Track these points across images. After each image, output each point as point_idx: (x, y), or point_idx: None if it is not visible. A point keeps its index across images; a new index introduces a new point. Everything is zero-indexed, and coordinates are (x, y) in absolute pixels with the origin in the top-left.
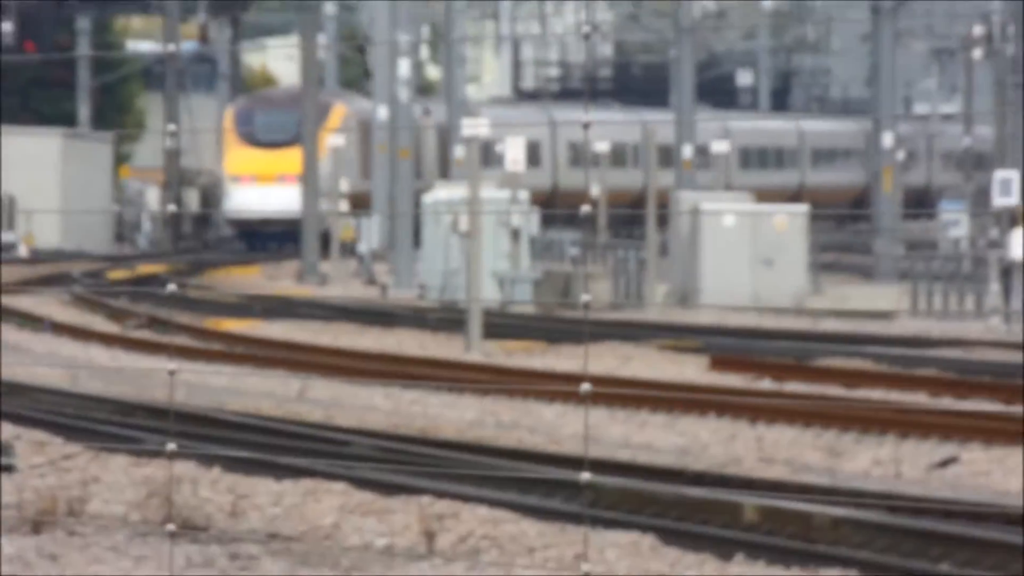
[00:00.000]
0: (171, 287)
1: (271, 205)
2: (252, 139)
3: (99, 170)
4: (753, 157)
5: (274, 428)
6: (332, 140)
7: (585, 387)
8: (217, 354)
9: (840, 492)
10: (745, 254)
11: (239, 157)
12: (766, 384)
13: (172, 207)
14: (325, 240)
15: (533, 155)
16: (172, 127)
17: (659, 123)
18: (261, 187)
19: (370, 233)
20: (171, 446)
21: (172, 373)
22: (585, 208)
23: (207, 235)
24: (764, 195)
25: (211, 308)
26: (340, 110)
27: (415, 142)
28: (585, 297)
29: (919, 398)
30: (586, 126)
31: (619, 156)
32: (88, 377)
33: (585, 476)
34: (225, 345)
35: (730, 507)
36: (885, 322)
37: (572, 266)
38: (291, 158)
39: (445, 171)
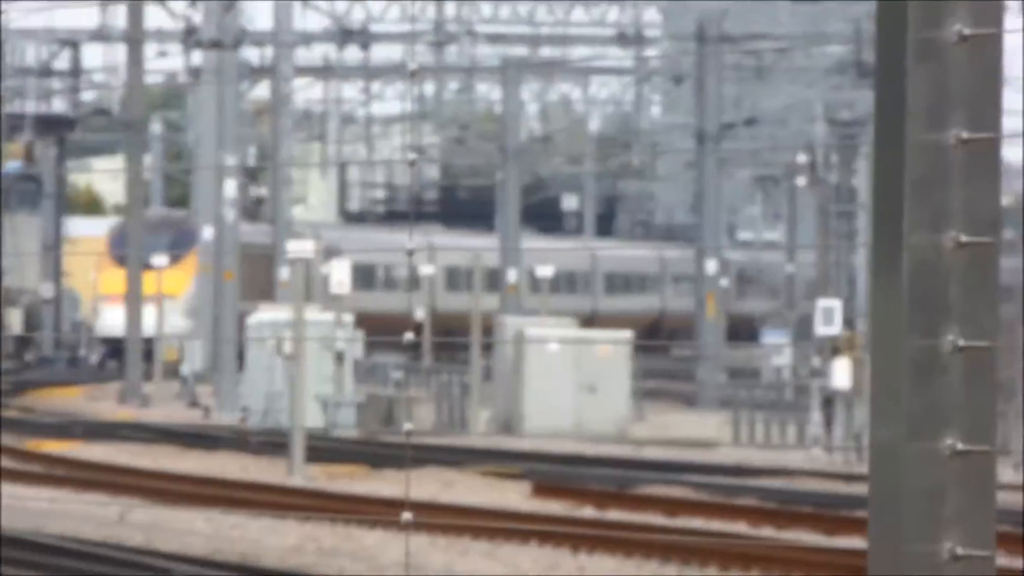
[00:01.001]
0: None
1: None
2: (123, 260)
3: None
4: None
5: (94, 553)
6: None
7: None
8: (37, 476)
9: None
10: (569, 380)
11: (111, 277)
12: (588, 512)
13: None
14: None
15: (367, 278)
16: None
17: (486, 249)
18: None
19: (193, 354)
20: None
21: None
22: (408, 335)
23: (29, 355)
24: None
25: (32, 428)
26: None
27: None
28: (407, 426)
29: (740, 527)
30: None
31: (450, 280)
32: None
33: None
34: (45, 467)
35: None
36: (707, 450)
37: (396, 390)
38: (172, 276)
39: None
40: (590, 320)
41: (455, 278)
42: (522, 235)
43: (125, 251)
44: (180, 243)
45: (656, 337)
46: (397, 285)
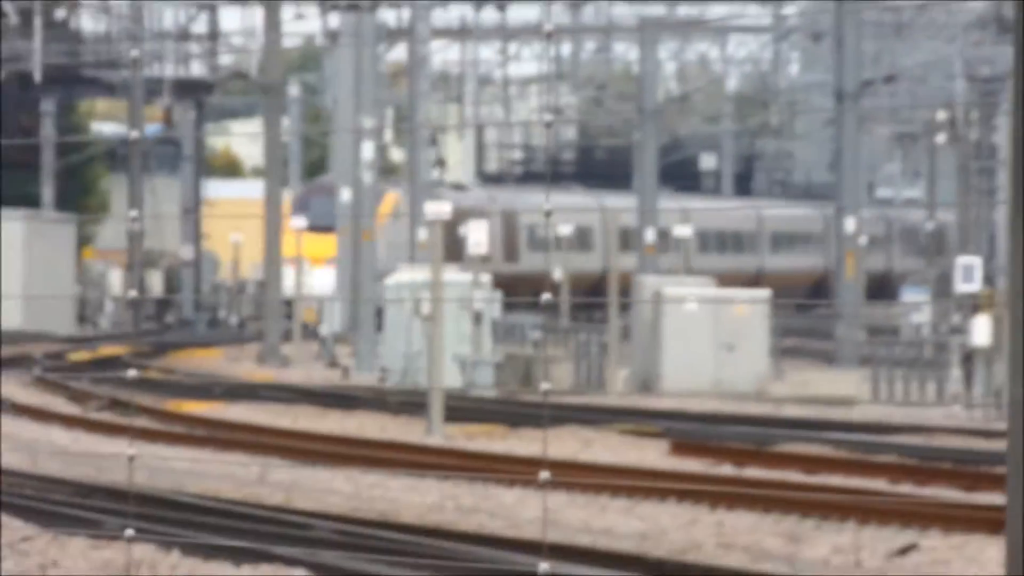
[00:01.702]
0: (132, 372)
1: (321, 285)
2: (314, 226)
3: (62, 252)
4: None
5: (233, 511)
6: (383, 225)
7: (544, 475)
8: (178, 436)
9: None
10: (707, 339)
11: (310, 241)
12: (726, 469)
13: (133, 292)
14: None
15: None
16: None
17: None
18: (312, 269)
19: (332, 315)
20: (129, 531)
21: (131, 459)
22: (545, 296)
23: (169, 317)
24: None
25: (173, 390)
26: (392, 196)
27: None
28: (544, 385)
29: (879, 484)
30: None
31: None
32: (48, 459)
33: (544, 567)
34: (186, 427)
35: None
36: (846, 408)
37: (533, 350)
38: (326, 241)
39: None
40: (755, 279)
41: (591, 238)
42: (659, 194)
43: (312, 217)
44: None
45: (822, 295)
46: (539, 246)
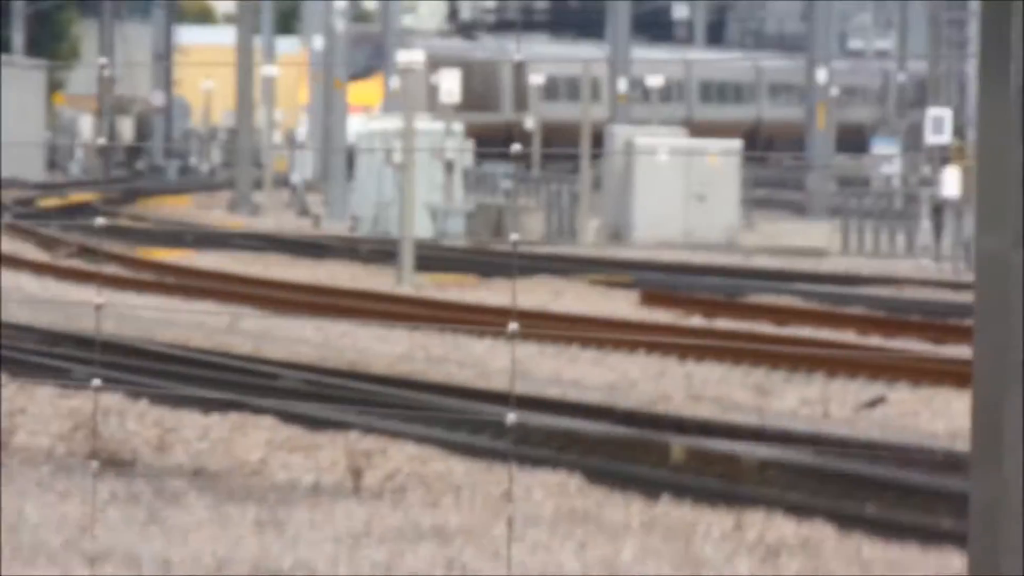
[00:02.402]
0: (100, 220)
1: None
2: (353, 73)
3: (32, 98)
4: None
5: (203, 360)
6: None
7: (512, 327)
8: (148, 284)
9: (768, 433)
10: (678, 190)
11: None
12: (696, 321)
13: (103, 139)
14: None
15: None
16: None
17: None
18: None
19: (303, 164)
20: (96, 381)
21: (99, 307)
22: (516, 147)
23: (140, 164)
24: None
25: (142, 237)
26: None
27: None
28: (513, 236)
29: (848, 336)
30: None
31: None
32: (16, 306)
33: (511, 417)
34: (156, 275)
35: (659, 447)
36: (816, 259)
37: (505, 200)
38: (368, 89)
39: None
40: (753, 128)
41: (561, 88)
42: (632, 45)
43: (354, 65)
44: (376, 58)
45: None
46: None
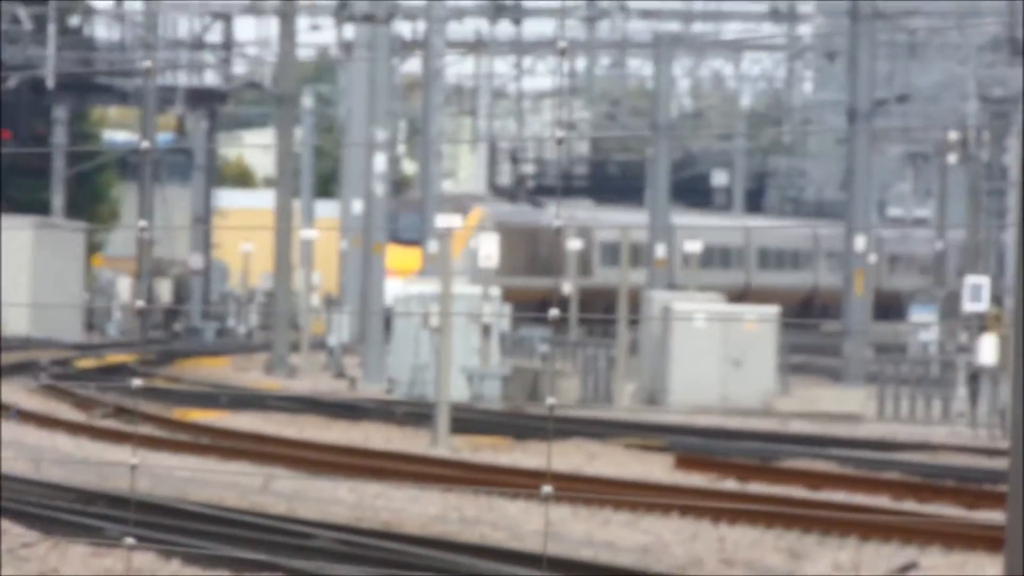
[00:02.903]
0: (137, 382)
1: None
2: (395, 237)
3: (71, 259)
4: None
5: (236, 520)
6: (470, 240)
7: (546, 490)
8: (182, 445)
9: None
10: (715, 354)
11: (392, 254)
12: (730, 484)
13: (141, 301)
14: None
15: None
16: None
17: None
18: (401, 279)
19: (340, 326)
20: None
21: (134, 467)
22: (553, 312)
23: (178, 325)
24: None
25: (179, 398)
26: (478, 211)
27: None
28: (550, 400)
29: (882, 501)
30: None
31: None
32: (52, 465)
33: None
34: (191, 435)
35: None
36: (851, 424)
37: (541, 363)
38: (404, 254)
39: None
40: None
41: (605, 253)
42: (671, 210)
43: (401, 231)
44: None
45: (808, 313)
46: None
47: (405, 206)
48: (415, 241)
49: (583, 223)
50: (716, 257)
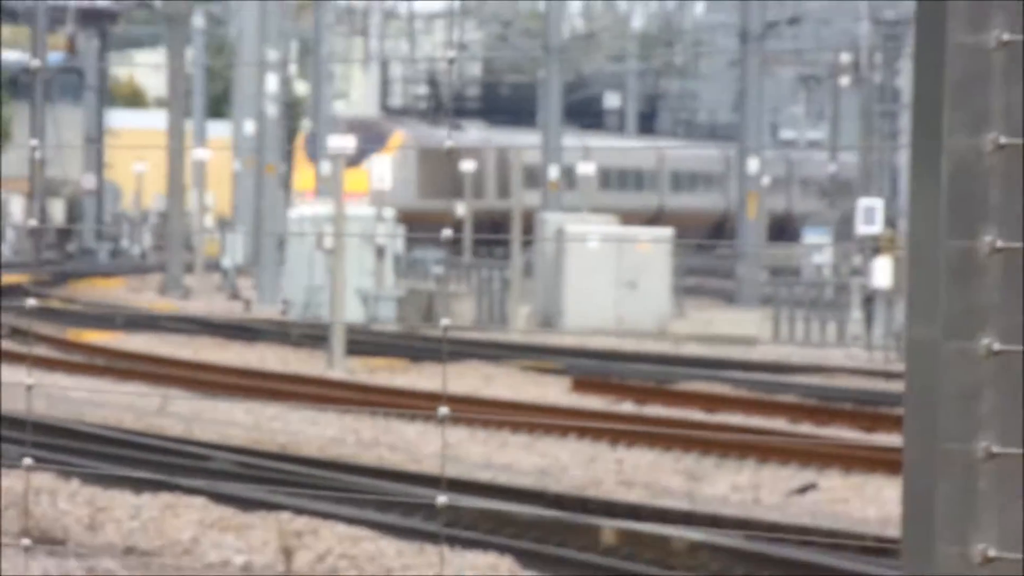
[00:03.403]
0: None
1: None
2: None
3: None
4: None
5: (134, 441)
6: (382, 162)
7: (443, 411)
8: (78, 366)
9: (698, 517)
10: (609, 277)
11: (303, 175)
12: (627, 407)
13: (33, 221)
14: None
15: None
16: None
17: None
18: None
19: (234, 248)
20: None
21: (30, 388)
22: (446, 232)
23: (71, 247)
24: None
25: (73, 319)
26: (399, 135)
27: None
28: (444, 321)
29: (779, 424)
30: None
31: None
32: None
33: (442, 499)
34: (86, 357)
35: (589, 531)
36: (747, 347)
37: (436, 285)
38: (351, 176)
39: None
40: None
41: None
42: (563, 132)
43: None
44: (370, 144)
45: (721, 235)
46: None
47: (344, 128)
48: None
49: (495, 145)
50: (627, 180)
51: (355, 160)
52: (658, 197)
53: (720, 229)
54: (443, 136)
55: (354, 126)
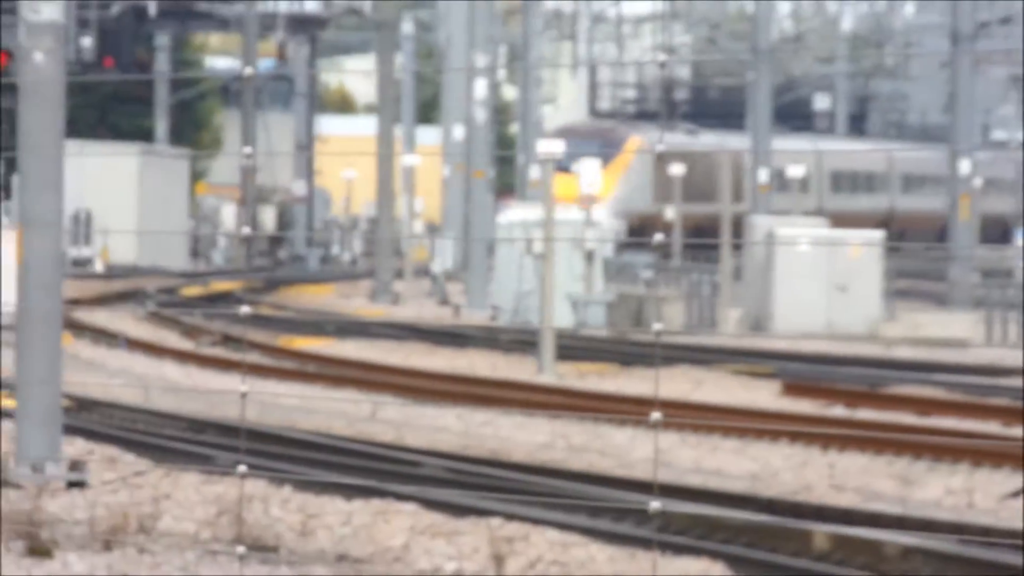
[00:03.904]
0: (245, 309)
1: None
2: (560, 165)
3: (176, 186)
4: (845, 181)
5: (345, 448)
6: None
7: (655, 416)
8: (289, 372)
9: (911, 521)
10: (819, 280)
11: (562, 182)
12: (838, 411)
13: (246, 228)
14: None
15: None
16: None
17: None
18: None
19: (444, 253)
20: (242, 468)
21: (243, 395)
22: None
23: (281, 253)
24: (853, 220)
25: (284, 326)
26: (635, 140)
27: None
28: (656, 326)
29: (992, 427)
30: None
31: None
32: (161, 394)
33: (655, 504)
34: (298, 364)
35: (801, 535)
36: (959, 350)
37: (646, 289)
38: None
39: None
40: (886, 220)
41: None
42: (773, 135)
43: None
44: (609, 150)
45: (946, 238)
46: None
47: (569, 134)
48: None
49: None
50: (859, 182)
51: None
52: (889, 199)
53: (946, 231)
54: (680, 140)
55: (591, 132)
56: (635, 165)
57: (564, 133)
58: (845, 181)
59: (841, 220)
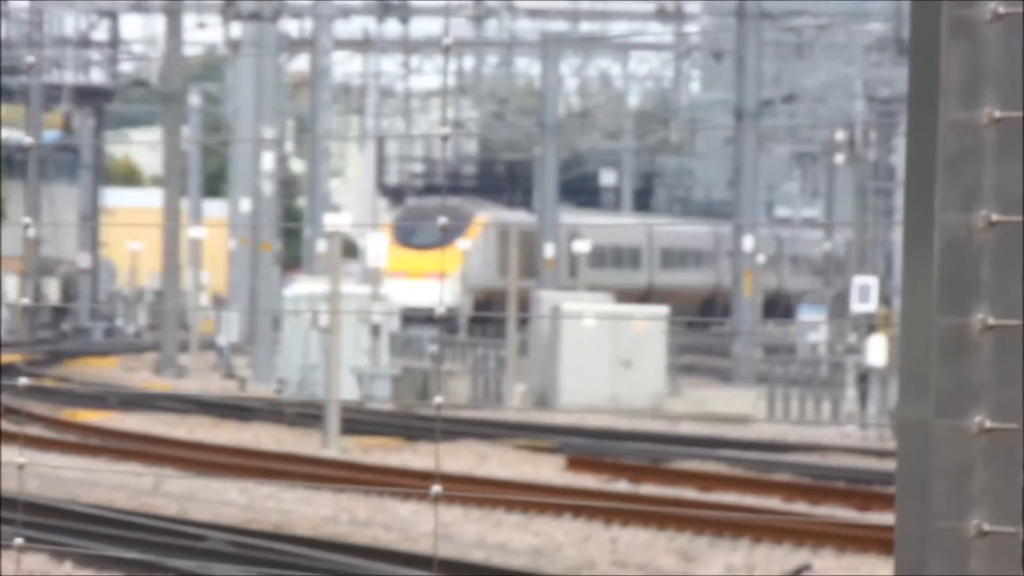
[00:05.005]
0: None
1: (418, 295)
2: (405, 241)
3: None
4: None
5: (127, 521)
6: (464, 244)
7: (435, 490)
8: (72, 445)
9: None
10: (604, 355)
11: (396, 256)
12: (621, 486)
13: (26, 300)
14: None
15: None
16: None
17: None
18: (410, 280)
19: (229, 326)
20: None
21: (21, 467)
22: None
23: (65, 325)
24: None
25: (67, 398)
26: (481, 218)
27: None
28: (437, 399)
29: (774, 503)
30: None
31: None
32: None
33: None
34: (80, 436)
35: None
36: (741, 426)
37: (431, 363)
38: (435, 258)
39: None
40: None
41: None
42: (559, 210)
43: (406, 235)
44: (455, 227)
45: (711, 312)
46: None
47: (414, 212)
48: (424, 245)
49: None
50: (618, 257)
51: (444, 242)
52: (648, 274)
53: (710, 306)
54: (521, 218)
55: (438, 211)
56: (479, 241)
57: (411, 212)
58: (609, 256)
59: (669, 296)
